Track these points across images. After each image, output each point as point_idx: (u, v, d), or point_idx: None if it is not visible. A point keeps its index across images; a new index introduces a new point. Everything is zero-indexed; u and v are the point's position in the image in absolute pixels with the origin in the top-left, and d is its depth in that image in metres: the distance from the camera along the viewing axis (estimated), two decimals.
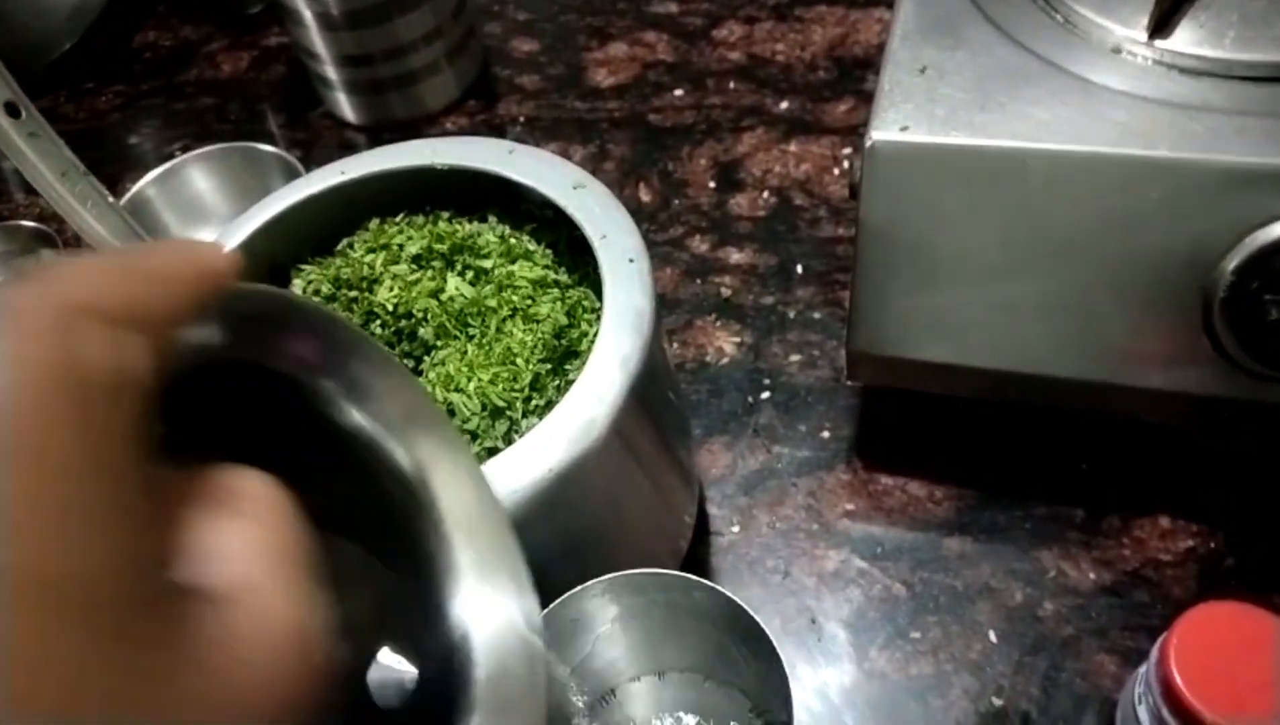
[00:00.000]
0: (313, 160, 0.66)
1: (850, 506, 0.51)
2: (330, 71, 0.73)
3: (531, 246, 0.44)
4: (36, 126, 0.38)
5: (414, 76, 0.73)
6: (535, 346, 0.40)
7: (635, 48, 0.77)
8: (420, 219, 0.46)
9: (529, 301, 0.42)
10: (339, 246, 0.46)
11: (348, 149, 0.75)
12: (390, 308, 0.42)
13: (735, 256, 0.63)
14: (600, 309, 0.42)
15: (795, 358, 0.57)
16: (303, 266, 0.46)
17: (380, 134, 0.75)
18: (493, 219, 0.46)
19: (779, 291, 0.61)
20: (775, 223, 0.64)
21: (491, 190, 0.45)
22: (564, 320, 0.41)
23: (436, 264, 0.44)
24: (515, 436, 0.38)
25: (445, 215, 0.46)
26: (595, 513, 0.39)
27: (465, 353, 0.41)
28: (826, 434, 0.54)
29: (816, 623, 0.48)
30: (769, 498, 0.52)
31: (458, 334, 0.42)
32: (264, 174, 0.66)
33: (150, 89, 0.83)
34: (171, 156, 0.76)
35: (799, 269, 0.61)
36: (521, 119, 0.73)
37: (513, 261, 0.44)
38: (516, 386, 0.39)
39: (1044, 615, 0.46)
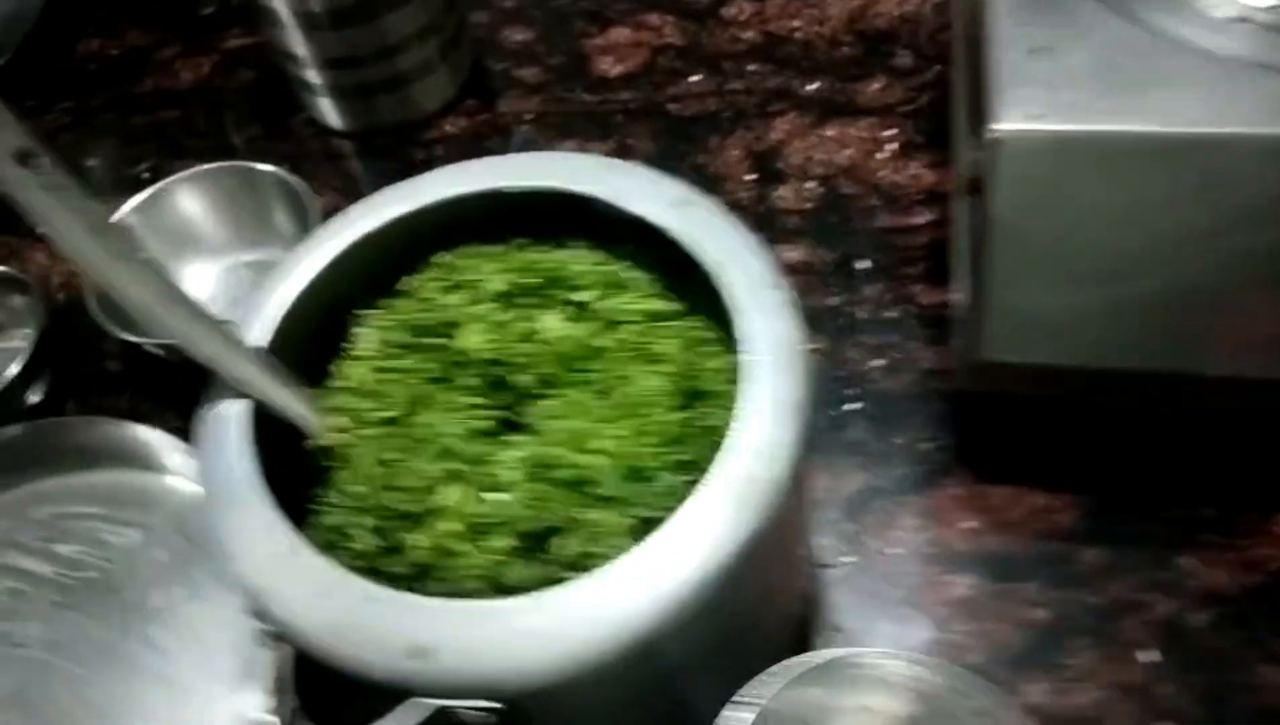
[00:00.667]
0: (303, 174, 0.59)
1: (969, 524, 0.48)
2: (313, 75, 0.66)
3: (634, 274, 0.39)
4: (58, 177, 0.32)
5: (406, 77, 0.66)
6: (669, 391, 0.35)
7: (640, 31, 0.71)
8: (494, 248, 0.41)
9: (644, 338, 0.37)
10: (404, 285, 0.40)
11: (337, 159, 0.68)
12: (482, 356, 0.37)
13: (788, 254, 0.58)
14: (721, 340, 0.38)
15: (876, 363, 0.53)
16: (364, 311, 0.40)
17: (371, 140, 0.68)
18: (580, 245, 0.40)
19: (843, 291, 0.56)
20: (826, 215, 0.60)
21: (567, 210, 0.40)
22: (693, 358, 0.36)
23: (527, 301, 0.38)
24: (673, 503, 0.33)
25: (521, 242, 0.41)
26: (760, 588, 0.35)
27: (583, 404, 0.36)
28: (926, 445, 0.50)
29: (957, 659, 0.44)
30: (877, 520, 0.48)
31: (566, 382, 0.37)
32: (262, 197, 0.59)
33: (102, 103, 0.74)
34: (137, 178, 0.68)
35: (861, 264, 0.57)
36: (528, 116, 0.68)
37: (615, 293, 0.38)
38: (658, 441, 0.34)
39: (1195, 627, 0.44)
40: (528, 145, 0.66)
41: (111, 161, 0.71)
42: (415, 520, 0.34)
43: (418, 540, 0.34)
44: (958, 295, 0.47)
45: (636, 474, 0.34)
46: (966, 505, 0.48)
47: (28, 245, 0.67)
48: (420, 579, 0.34)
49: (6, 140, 0.30)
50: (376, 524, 0.35)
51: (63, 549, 0.53)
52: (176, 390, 0.58)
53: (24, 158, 0.31)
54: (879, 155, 0.62)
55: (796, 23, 0.70)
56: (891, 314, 0.55)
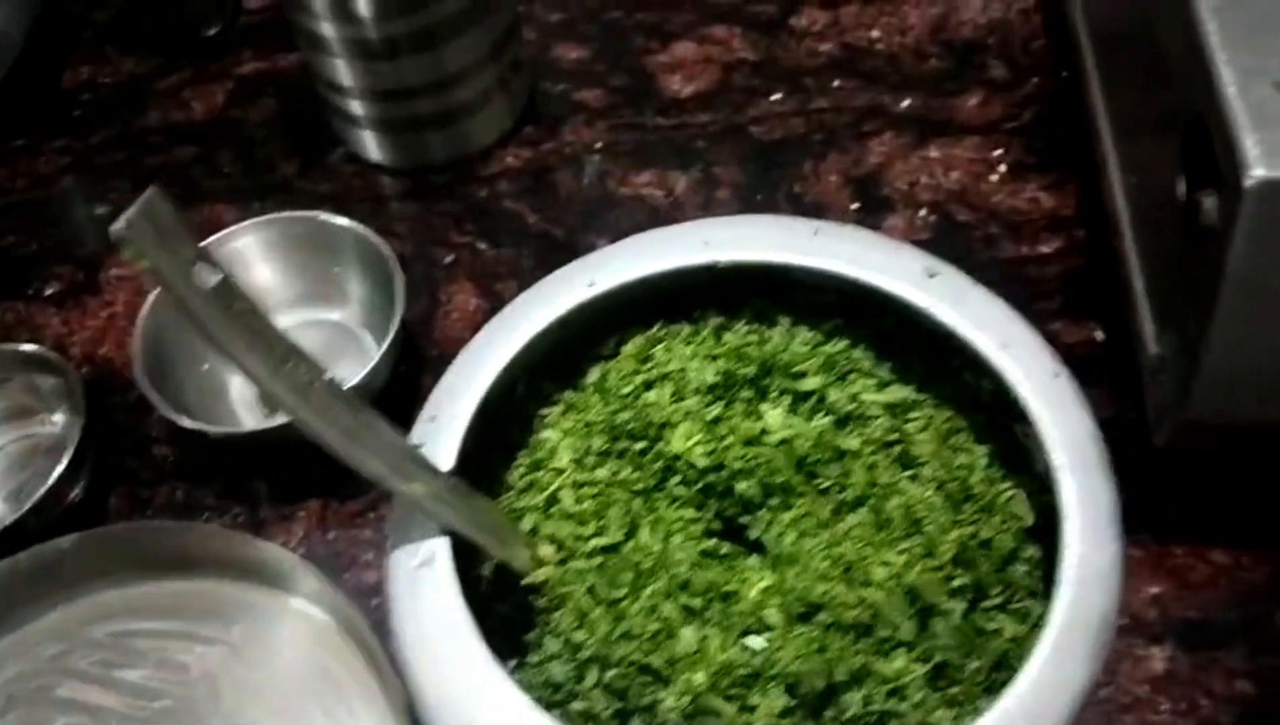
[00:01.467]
0: (352, 217, 0.53)
1: (1155, 589, 0.44)
2: (357, 107, 0.60)
3: (857, 354, 0.34)
4: (235, 295, 0.26)
5: (462, 110, 0.60)
6: (939, 501, 0.30)
7: (706, 46, 0.66)
8: (686, 328, 0.35)
9: (892, 434, 0.32)
10: (590, 375, 0.35)
11: (386, 199, 0.62)
12: (698, 462, 0.32)
13: None
14: (971, 430, 0.33)
15: None
16: (547, 409, 0.34)
17: (422, 176, 0.62)
18: (786, 321, 0.35)
19: None
20: (944, 246, 0.55)
21: (757, 280, 0.35)
22: (950, 456, 0.32)
23: (743, 394, 0.33)
24: (965, 642, 0.28)
25: (717, 321, 0.35)
26: None
27: (832, 520, 0.31)
28: None
29: None
30: None
31: (803, 490, 0.32)
32: (331, 251, 0.52)
33: (104, 141, 0.66)
34: None
35: None
36: (598, 146, 0.62)
37: (844, 380, 0.33)
38: (937, 565, 0.29)
39: None
40: (603, 177, 0.60)
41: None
42: (656, 675, 0.29)
43: (665, 699, 0.28)
44: (1152, 345, 0.43)
45: (928, 609, 0.29)
46: (1150, 568, 0.45)
47: (38, 308, 0.59)
48: None
49: (183, 252, 0.24)
50: (609, 680, 0.29)
51: (129, 675, 0.46)
52: (236, 477, 0.51)
53: (200, 271, 0.25)
54: (991, 178, 0.58)
55: (875, 33, 0.65)
56: None
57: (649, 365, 0.34)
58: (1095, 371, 0.50)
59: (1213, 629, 0.43)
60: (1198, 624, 0.43)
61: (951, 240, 0.56)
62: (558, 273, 0.34)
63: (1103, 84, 0.52)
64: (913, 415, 0.32)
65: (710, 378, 0.33)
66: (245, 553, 0.47)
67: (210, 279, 0.25)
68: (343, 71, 0.58)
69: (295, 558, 0.46)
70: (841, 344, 0.34)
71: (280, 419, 0.47)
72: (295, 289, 0.54)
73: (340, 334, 0.54)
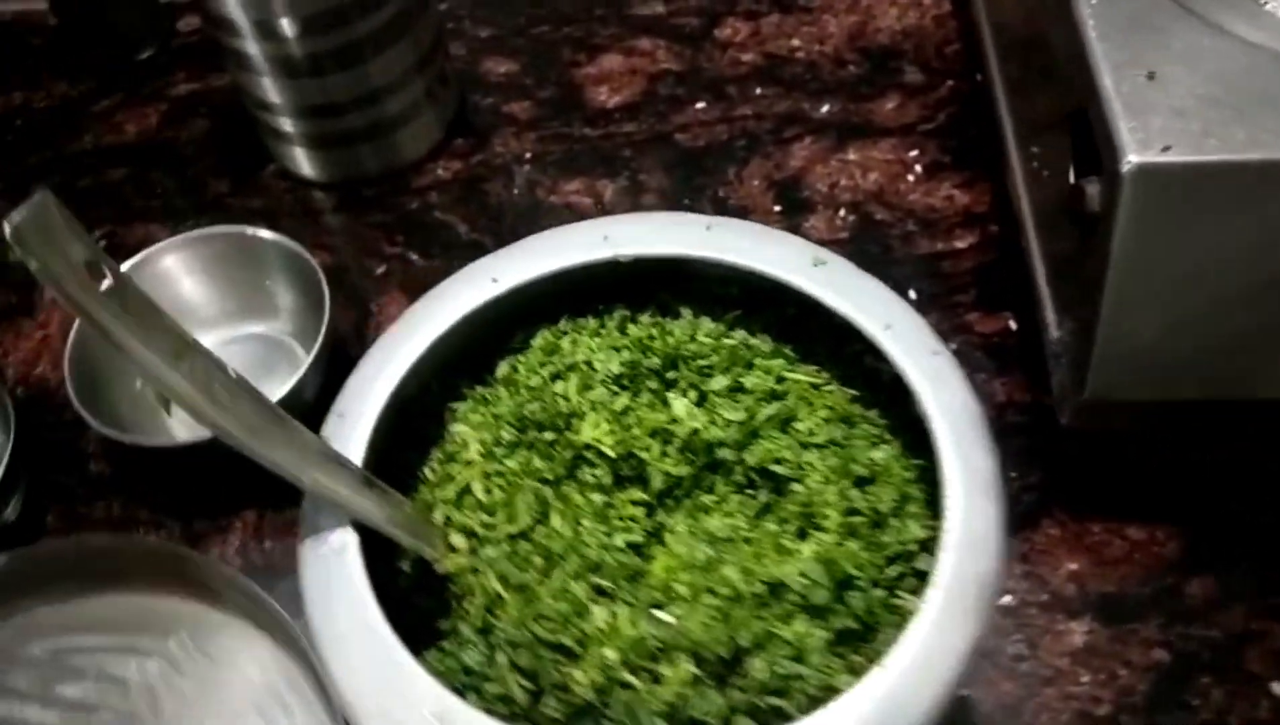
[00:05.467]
0: (283, 232, 0.54)
1: (1073, 565, 0.46)
2: (287, 124, 0.61)
3: (757, 344, 0.36)
4: (130, 293, 0.27)
5: (392, 122, 0.61)
6: (841, 476, 0.32)
7: (632, 58, 0.68)
8: (592, 322, 0.37)
9: (794, 418, 0.33)
10: (501, 372, 0.36)
11: (318, 213, 0.63)
12: (609, 451, 0.33)
13: None
14: (865, 410, 0.34)
15: None
16: (459, 403, 0.35)
17: (354, 190, 0.63)
18: (688, 312, 0.36)
19: None
20: (864, 244, 0.57)
21: (661, 273, 0.37)
22: (848, 436, 0.33)
23: (649, 384, 0.34)
24: (875, 611, 0.30)
25: (621, 313, 0.37)
26: None
27: (750, 504, 0.32)
28: (1014, 483, 0.48)
29: (1089, 714, 0.42)
30: None
31: (711, 478, 0.33)
32: (259, 265, 0.53)
33: (39, 164, 0.67)
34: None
35: (911, 294, 0.55)
36: (528, 156, 0.63)
37: (748, 369, 0.35)
38: (865, 542, 0.31)
39: None
40: (533, 186, 0.61)
41: None
42: (567, 653, 0.30)
43: (576, 676, 0.29)
44: (1054, 331, 0.45)
45: (848, 581, 0.30)
46: (1068, 545, 0.46)
47: None
48: (583, 722, 0.30)
49: (74, 252, 0.25)
50: (521, 661, 0.30)
51: (68, 691, 0.46)
52: (172, 491, 0.52)
53: (93, 269, 0.26)
54: (908, 178, 0.60)
55: (795, 42, 0.67)
56: (950, 346, 0.53)
57: (555, 357, 0.35)
58: (1010, 359, 0.52)
59: (1129, 602, 0.45)
60: (1115, 598, 0.45)
61: (870, 238, 0.57)
62: (462, 272, 0.35)
63: (1005, 85, 0.55)
64: (813, 398, 0.34)
65: (616, 368, 0.34)
66: (180, 565, 0.47)
67: (105, 279, 0.26)
68: (270, 89, 0.59)
69: (230, 569, 0.46)
70: (740, 334, 0.36)
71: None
72: (226, 304, 0.54)
73: (273, 347, 0.55)
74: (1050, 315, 0.46)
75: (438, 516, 0.33)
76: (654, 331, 0.35)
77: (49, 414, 0.55)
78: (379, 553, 0.32)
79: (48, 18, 0.72)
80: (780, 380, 0.34)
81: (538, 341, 0.36)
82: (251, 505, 0.51)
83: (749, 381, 0.34)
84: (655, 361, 0.34)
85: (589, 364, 0.35)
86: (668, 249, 0.35)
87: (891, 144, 0.61)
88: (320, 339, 0.49)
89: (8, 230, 0.23)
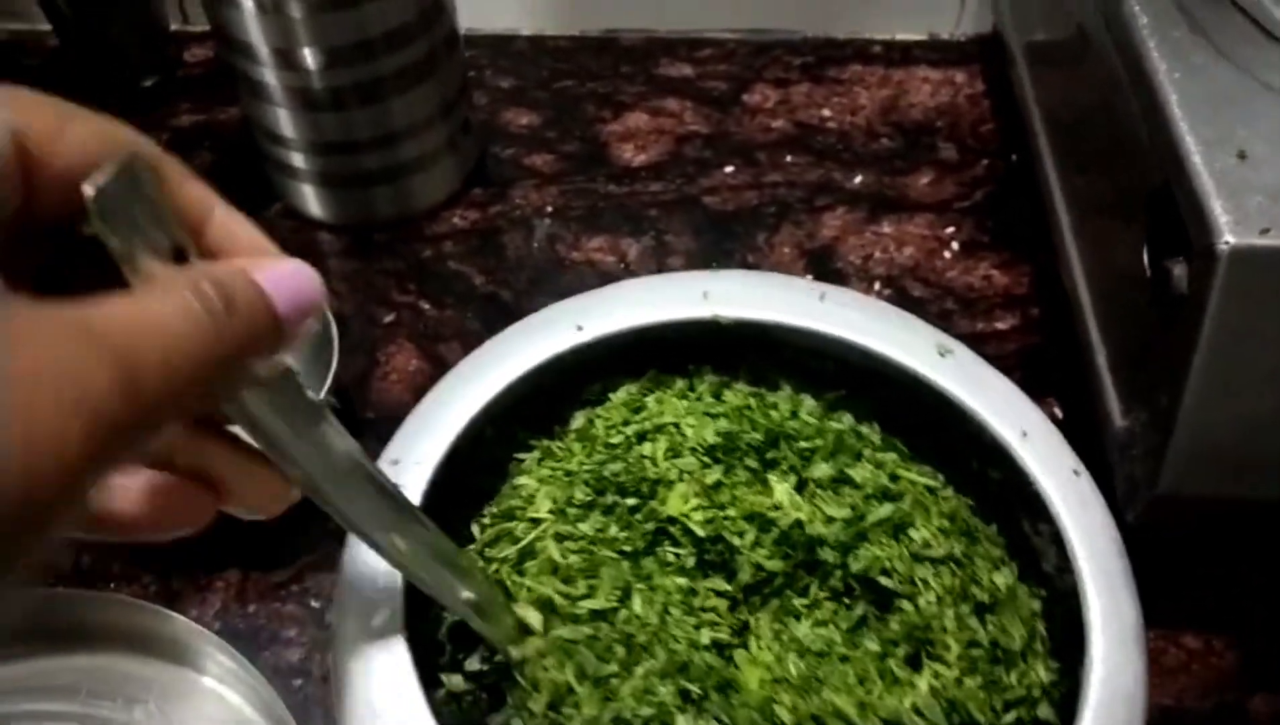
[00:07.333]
0: None
1: None
2: (299, 160, 0.58)
3: (864, 430, 0.32)
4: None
5: (408, 167, 0.58)
6: (961, 602, 0.28)
7: (659, 117, 0.66)
8: (679, 382, 0.33)
9: (909, 524, 0.30)
10: (574, 422, 0.32)
11: (322, 257, 0.59)
12: (696, 529, 0.29)
13: None
14: (986, 525, 0.31)
15: None
16: (522, 455, 0.32)
17: (363, 234, 0.60)
18: (787, 385, 0.33)
19: None
20: None
21: (757, 337, 0.33)
22: (968, 550, 0.29)
23: (745, 461, 0.31)
24: None
25: (712, 378, 0.33)
26: None
27: (854, 614, 0.28)
28: None
29: None
30: None
31: (810, 579, 0.29)
32: None
33: None
34: None
35: None
36: (549, 209, 0.60)
37: (854, 460, 0.31)
38: (981, 679, 0.27)
39: None
40: (553, 241, 0.59)
41: None
42: None
43: None
44: (1118, 420, 0.42)
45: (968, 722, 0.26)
46: None
47: None
48: None
49: (161, 234, 0.20)
50: None
51: None
52: (149, 543, 0.47)
53: (179, 262, 0.21)
54: (944, 255, 0.57)
55: (826, 112, 0.65)
56: None
57: (641, 416, 0.31)
58: None
59: (1186, 717, 0.42)
60: (1172, 713, 0.42)
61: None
62: (538, 315, 0.32)
63: (1057, 165, 0.53)
64: (930, 503, 0.30)
65: (710, 438, 0.30)
66: (152, 625, 0.43)
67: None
68: (285, 122, 0.56)
69: (207, 633, 0.42)
70: (847, 418, 0.32)
71: None
72: None
73: None
74: (1114, 404, 0.43)
75: (494, 581, 0.29)
76: (753, 402, 0.32)
77: None
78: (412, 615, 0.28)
79: (48, 39, 0.69)
80: (894, 478, 0.30)
81: (619, 396, 0.32)
82: (235, 564, 0.47)
83: (857, 474, 0.30)
84: (756, 437, 0.31)
85: (677, 427, 0.31)
86: (776, 316, 0.31)
87: (927, 219, 0.59)
88: (325, 387, 0.45)
89: (88, 194, 0.19)
